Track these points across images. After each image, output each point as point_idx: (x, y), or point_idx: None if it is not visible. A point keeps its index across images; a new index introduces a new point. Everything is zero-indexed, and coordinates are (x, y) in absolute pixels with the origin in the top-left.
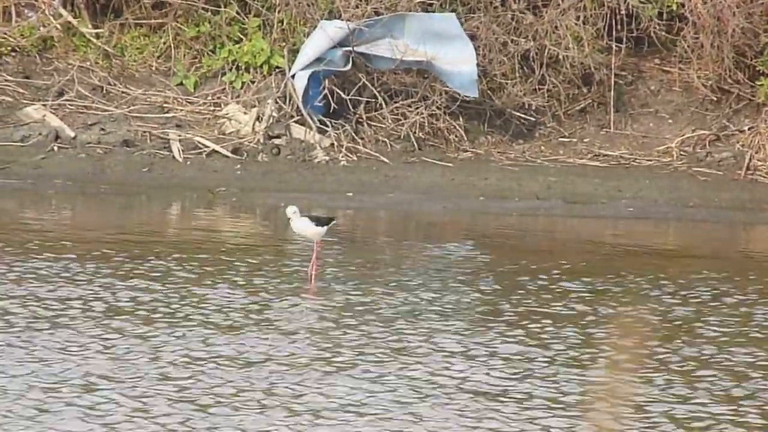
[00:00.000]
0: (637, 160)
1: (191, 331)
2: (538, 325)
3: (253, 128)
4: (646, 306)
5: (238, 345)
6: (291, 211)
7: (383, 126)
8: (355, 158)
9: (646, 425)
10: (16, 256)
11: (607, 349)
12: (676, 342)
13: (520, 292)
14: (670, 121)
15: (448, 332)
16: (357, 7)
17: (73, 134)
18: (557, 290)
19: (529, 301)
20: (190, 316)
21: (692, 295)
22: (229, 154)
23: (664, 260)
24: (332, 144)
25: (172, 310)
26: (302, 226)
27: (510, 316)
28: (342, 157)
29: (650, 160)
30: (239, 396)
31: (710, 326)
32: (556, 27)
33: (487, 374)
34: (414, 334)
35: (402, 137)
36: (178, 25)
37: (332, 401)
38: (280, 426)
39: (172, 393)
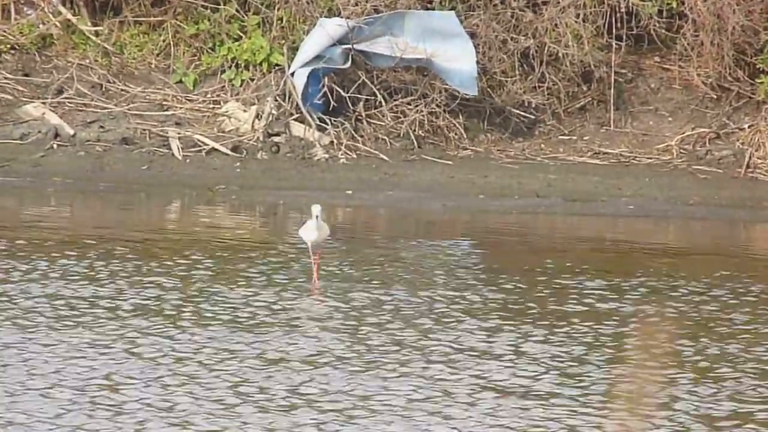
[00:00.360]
0: (637, 158)
1: (218, 330)
2: (561, 324)
3: (253, 126)
4: (667, 304)
5: (284, 345)
6: (317, 210)
7: (383, 124)
8: (354, 156)
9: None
10: (32, 254)
11: (643, 347)
12: (708, 340)
13: (535, 290)
14: (670, 118)
15: (469, 331)
16: (356, 4)
17: (72, 132)
18: (573, 289)
19: (548, 300)
20: (219, 316)
21: (708, 293)
22: (229, 152)
23: (676, 259)
24: (332, 142)
25: (197, 309)
26: (321, 227)
27: (531, 314)
28: (341, 154)
29: (650, 158)
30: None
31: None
32: (555, 25)
33: (516, 374)
34: (434, 332)
35: (401, 135)
36: (178, 22)
37: (359, 400)
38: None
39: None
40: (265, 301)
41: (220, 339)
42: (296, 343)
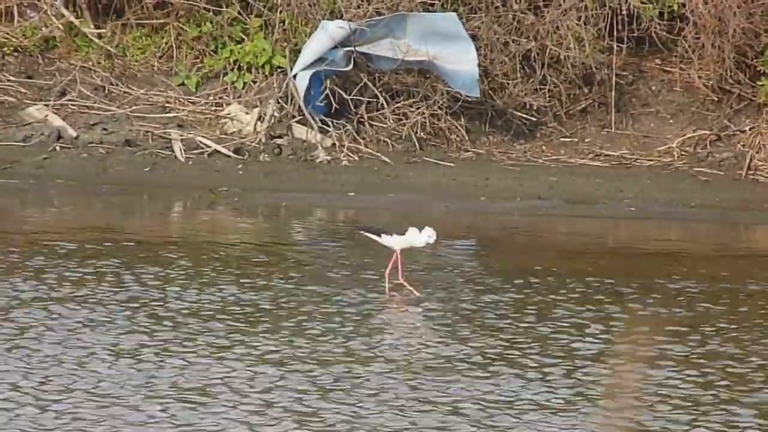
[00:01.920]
0: (639, 160)
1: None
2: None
3: (255, 128)
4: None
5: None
6: (433, 238)
7: (385, 126)
8: (356, 158)
9: None
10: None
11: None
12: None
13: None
14: (671, 121)
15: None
16: (358, 7)
17: (75, 134)
18: (672, 293)
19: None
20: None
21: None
22: (231, 154)
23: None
24: (334, 144)
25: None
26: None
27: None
28: (343, 157)
29: (651, 160)
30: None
31: None
32: (557, 27)
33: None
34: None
35: (403, 137)
36: (180, 25)
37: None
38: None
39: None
40: (383, 305)
41: (338, 343)
42: (415, 348)
